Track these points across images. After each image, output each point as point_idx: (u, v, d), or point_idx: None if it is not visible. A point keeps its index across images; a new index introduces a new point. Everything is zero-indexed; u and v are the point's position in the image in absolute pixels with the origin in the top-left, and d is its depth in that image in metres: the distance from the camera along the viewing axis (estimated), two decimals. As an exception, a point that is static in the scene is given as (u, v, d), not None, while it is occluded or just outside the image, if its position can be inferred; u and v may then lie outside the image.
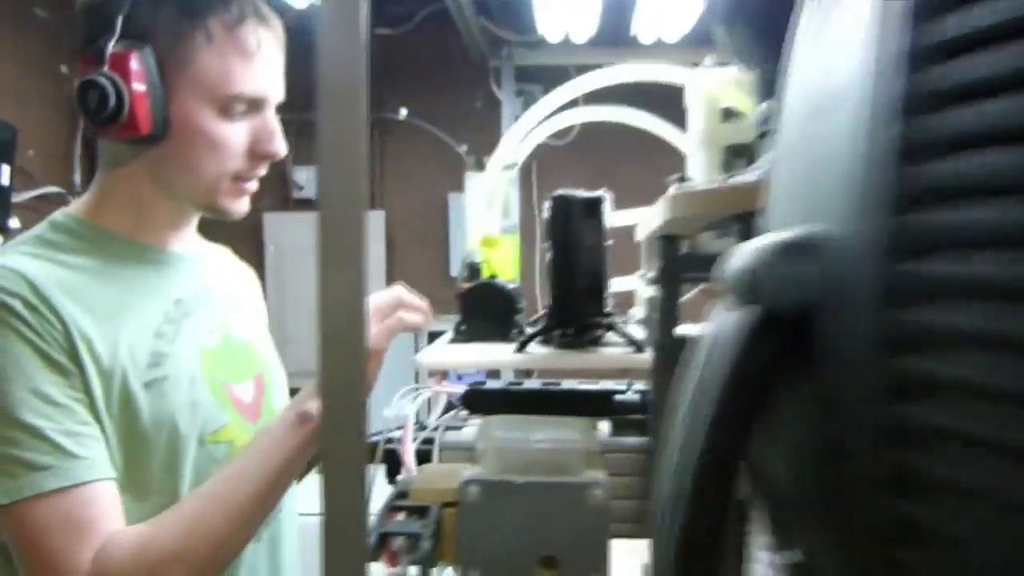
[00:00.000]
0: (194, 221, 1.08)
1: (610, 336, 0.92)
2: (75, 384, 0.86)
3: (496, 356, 0.89)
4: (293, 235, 3.90)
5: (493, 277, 1.00)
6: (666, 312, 0.91)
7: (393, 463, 1.04)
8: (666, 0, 2.44)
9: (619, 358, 0.87)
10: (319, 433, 0.91)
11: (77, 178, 3.68)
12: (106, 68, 0.91)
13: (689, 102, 0.98)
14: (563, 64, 3.12)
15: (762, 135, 0.69)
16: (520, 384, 1.18)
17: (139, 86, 0.91)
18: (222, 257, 1.21)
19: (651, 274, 0.93)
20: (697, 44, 2.70)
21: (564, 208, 0.88)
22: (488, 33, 3.35)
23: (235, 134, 0.97)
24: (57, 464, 0.83)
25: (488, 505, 0.85)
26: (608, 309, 0.88)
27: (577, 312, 0.88)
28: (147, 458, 0.91)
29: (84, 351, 0.87)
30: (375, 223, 3.87)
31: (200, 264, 1.10)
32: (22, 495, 0.82)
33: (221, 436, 0.99)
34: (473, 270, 1.01)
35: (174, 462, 0.93)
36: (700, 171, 0.93)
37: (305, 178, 4.05)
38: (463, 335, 0.98)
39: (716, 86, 0.90)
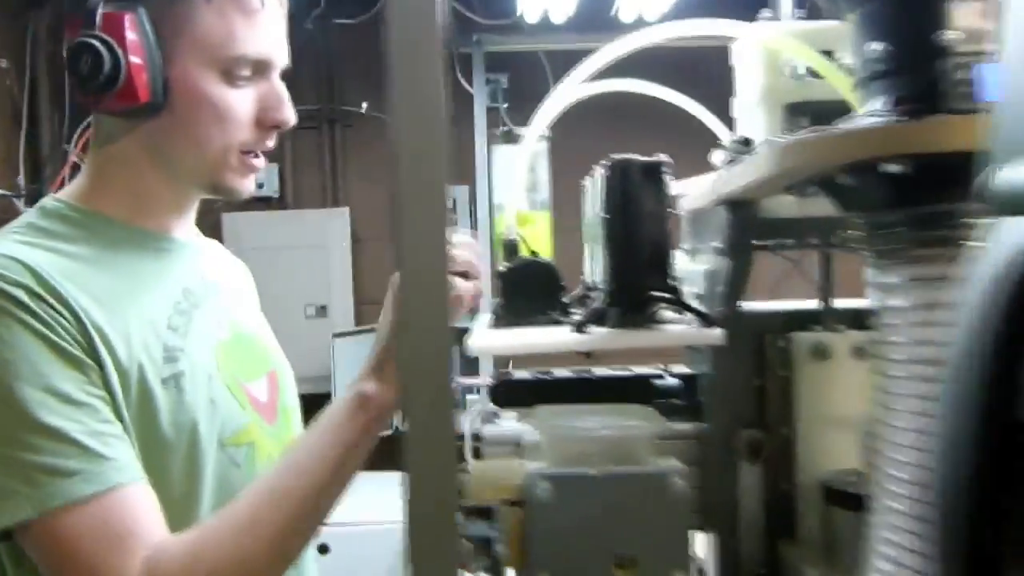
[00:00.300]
0: (195, 206, 0.99)
1: (667, 313, 0.85)
2: (94, 380, 0.76)
3: (552, 338, 0.81)
4: (253, 235, 3.75)
5: (534, 254, 0.92)
6: (734, 284, 0.85)
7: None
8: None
9: (686, 334, 0.80)
10: (383, 417, 0.84)
11: (22, 181, 3.48)
12: (98, 31, 0.82)
13: (740, 60, 0.92)
14: (534, 49, 3.04)
15: (865, 80, 0.62)
16: (549, 373, 1.11)
17: (135, 49, 0.82)
18: (218, 249, 1.12)
19: (716, 244, 0.86)
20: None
21: (622, 174, 0.81)
22: (459, 16, 3.25)
23: (240, 101, 0.88)
24: (85, 468, 0.73)
25: (559, 501, 0.77)
26: (672, 282, 0.81)
27: (639, 286, 0.81)
28: (167, 463, 0.82)
29: (100, 345, 0.77)
30: (340, 220, 3.75)
31: (201, 253, 1.02)
32: (50, 505, 0.72)
33: (242, 438, 0.90)
34: (510, 248, 0.93)
35: (195, 467, 0.84)
36: (760, 131, 0.87)
37: (264, 176, 3.90)
38: (504, 318, 0.90)
39: (777, 41, 0.84)
